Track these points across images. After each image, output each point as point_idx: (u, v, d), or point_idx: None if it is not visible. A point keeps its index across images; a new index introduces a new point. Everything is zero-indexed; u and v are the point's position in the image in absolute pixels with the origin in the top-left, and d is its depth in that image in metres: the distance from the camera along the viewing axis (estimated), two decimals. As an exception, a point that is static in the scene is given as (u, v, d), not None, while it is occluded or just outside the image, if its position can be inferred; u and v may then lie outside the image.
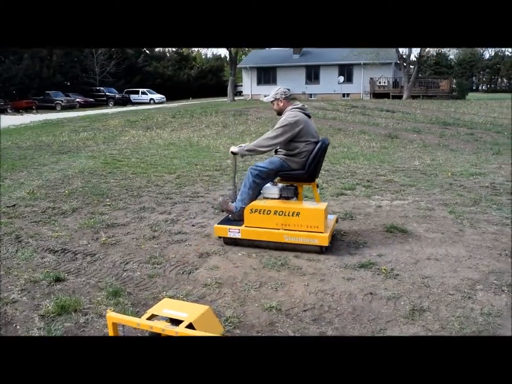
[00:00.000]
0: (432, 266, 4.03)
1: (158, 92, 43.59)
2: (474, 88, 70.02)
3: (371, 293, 3.51)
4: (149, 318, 2.30)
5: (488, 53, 74.29)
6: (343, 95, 36.36)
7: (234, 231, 4.51)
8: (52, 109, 33.56)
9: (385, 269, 3.93)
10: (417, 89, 33.73)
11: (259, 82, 39.15)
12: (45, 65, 39.16)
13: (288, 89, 4.84)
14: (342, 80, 36.81)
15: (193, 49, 42.37)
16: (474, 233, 4.88)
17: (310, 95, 37.19)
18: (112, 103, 38.81)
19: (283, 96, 4.64)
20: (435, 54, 58.71)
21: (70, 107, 34.75)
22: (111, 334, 2.30)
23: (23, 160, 9.95)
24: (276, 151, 4.71)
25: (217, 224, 4.67)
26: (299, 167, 4.54)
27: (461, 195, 6.57)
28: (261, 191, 4.70)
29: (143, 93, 42.57)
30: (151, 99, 41.57)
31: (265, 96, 5.05)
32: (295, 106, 4.62)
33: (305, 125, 4.49)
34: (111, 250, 4.47)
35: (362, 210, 5.80)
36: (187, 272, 3.93)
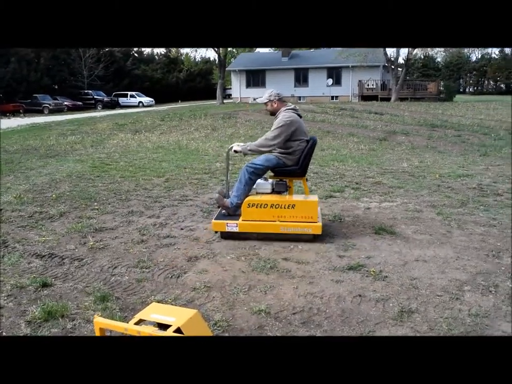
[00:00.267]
0: (420, 267, 4.05)
1: (147, 95, 43.51)
2: (461, 90, 70.71)
3: (360, 295, 3.52)
4: (137, 323, 2.28)
5: (475, 55, 75.17)
6: (332, 97, 36.51)
7: (232, 225, 4.77)
8: (40, 112, 33.29)
9: (373, 271, 3.94)
10: (405, 91, 33.97)
11: (248, 85, 39.20)
12: (33, 68, 38.89)
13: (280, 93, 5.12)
14: (331, 83, 36.97)
15: (181, 52, 42.37)
16: (461, 235, 4.91)
17: (299, 97, 37.28)
18: (101, 106, 38.62)
19: (277, 97, 4.96)
20: (422, 56, 59.24)
21: (58, 110, 34.48)
22: (98, 339, 2.27)
23: (9, 164, 9.85)
24: (264, 152, 4.94)
25: (215, 219, 4.87)
26: (293, 164, 4.87)
27: (449, 197, 6.62)
28: (254, 187, 4.97)
29: (131, 96, 42.45)
30: (139, 102, 41.47)
31: (254, 99, 5.25)
32: (288, 108, 4.94)
33: (298, 125, 4.84)
34: (99, 255, 4.43)
35: (351, 213, 5.81)
36: (176, 276, 3.91)
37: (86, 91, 40.78)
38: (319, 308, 3.34)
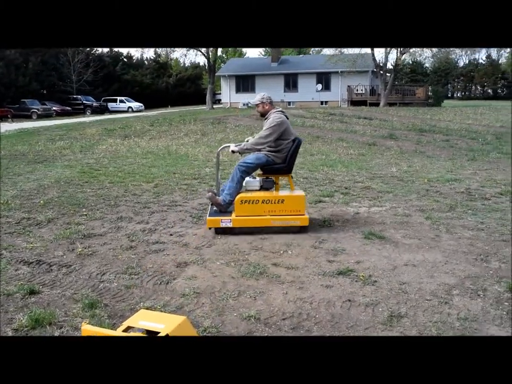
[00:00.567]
0: (409, 272, 4.06)
1: (136, 100, 43.40)
2: (449, 95, 71.29)
3: (349, 300, 3.52)
4: (125, 330, 2.26)
5: (463, 61, 75.91)
6: (321, 102, 36.68)
7: (226, 221, 5.08)
8: (28, 117, 33.05)
9: (363, 276, 3.95)
10: (394, 96, 34.23)
11: (238, 90, 39.26)
12: (21, 73, 38.66)
13: None
14: (320, 88, 37.13)
15: (171, 56, 42.34)
16: (450, 239, 4.94)
17: (289, 102, 37.42)
18: (90, 111, 38.45)
19: (268, 100, 5.46)
20: (411, 62, 59.70)
21: (46, 116, 34.25)
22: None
23: (-3, 170, 9.76)
24: (259, 150, 5.32)
25: (209, 216, 5.16)
26: (281, 161, 5.29)
27: (437, 201, 6.66)
28: (243, 184, 5.37)
29: (121, 101, 42.32)
30: (129, 107, 41.35)
31: (248, 103, 5.56)
32: (277, 110, 5.43)
33: (287, 125, 5.33)
34: (87, 261, 4.40)
35: (341, 217, 5.83)
36: (165, 283, 3.88)
37: (75, 96, 40.59)
38: (309, 313, 3.33)
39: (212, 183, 7.99)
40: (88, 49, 45.70)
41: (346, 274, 4.01)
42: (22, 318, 3.20)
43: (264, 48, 66.48)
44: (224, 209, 5.25)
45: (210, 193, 5.36)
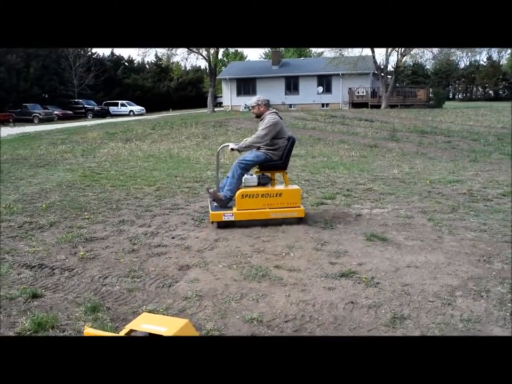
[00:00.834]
0: (412, 273, 4.05)
1: (138, 104, 43.47)
2: (450, 97, 71.31)
3: (352, 302, 3.51)
4: (128, 334, 2.26)
5: (464, 62, 75.93)
6: (322, 105, 36.73)
7: (228, 215, 5.44)
8: (30, 122, 33.15)
9: (365, 278, 3.94)
10: (395, 98, 34.24)
11: (239, 93, 39.29)
12: (22, 77, 38.76)
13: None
14: (321, 91, 37.17)
15: (172, 60, 42.39)
16: (453, 240, 4.93)
17: (290, 105, 37.47)
18: (91, 115, 38.55)
19: (263, 102, 5.88)
20: (412, 64, 59.72)
21: (48, 120, 34.37)
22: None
23: (-1, 174, 9.78)
24: (259, 148, 5.70)
25: (212, 211, 5.51)
26: (278, 158, 5.71)
27: (440, 202, 6.65)
28: (242, 181, 5.70)
29: (122, 105, 42.40)
30: (130, 111, 41.42)
31: (246, 105, 5.80)
32: (272, 111, 5.85)
33: (281, 125, 5.77)
34: (90, 265, 4.40)
35: (342, 219, 5.82)
36: (167, 286, 3.88)
37: (76, 100, 40.71)
38: (312, 315, 3.33)
39: (213, 185, 7.98)
40: (89, 53, 45.86)
41: (349, 276, 4.00)
42: (24, 322, 3.20)
43: (264, 51, 66.59)
44: (225, 204, 5.60)
45: (212, 189, 5.74)
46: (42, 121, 33.49)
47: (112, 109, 41.70)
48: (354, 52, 35.60)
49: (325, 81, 37.45)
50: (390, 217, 5.89)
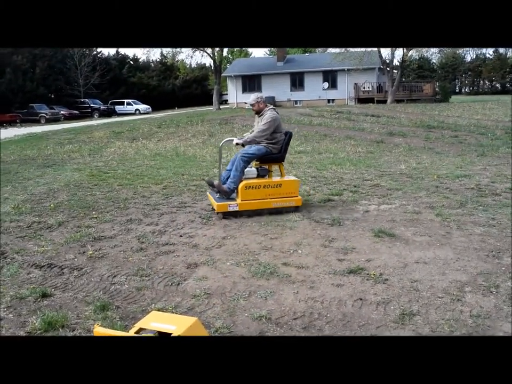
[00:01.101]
0: (420, 269, 4.04)
1: (143, 103, 43.56)
2: (457, 91, 70.97)
3: (361, 299, 3.51)
4: (137, 332, 2.27)
5: (470, 55, 75.46)
6: (328, 101, 36.57)
7: (233, 206, 5.83)
8: (36, 122, 33.32)
9: (374, 274, 3.93)
10: (401, 93, 34.04)
11: (244, 90, 39.21)
12: (28, 78, 38.94)
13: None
14: (327, 86, 37.00)
15: (177, 58, 42.41)
16: (461, 235, 4.91)
17: (295, 101, 37.36)
18: (97, 114, 38.67)
19: (262, 100, 6.34)
20: (418, 58, 59.44)
21: (54, 120, 34.52)
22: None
23: (7, 174, 9.83)
24: (259, 142, 6.09)
25: (218, 202, 5.86)
26: (277, 152, 6.18)
27: (447, 197, 6.62)
28: None
29: (128, 103, 42.51)
30: (136, 110, 41.51)
31: (246, 103, 6.01)
32: (270, 108, 6.32)
33: (279, 121, 6.26)
34: (98, 264, 4.42)
35: (350, 216, 5.81)
36: (175, 284, 3.89)
37: (82, 100, 40.84)
38: (320, 312, 3.33)
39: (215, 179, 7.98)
40: (94, 52, 45.97)
41: (357, 273, 3.99)
42: (35, 321, 3.23)
43: (269, 48, 66.40)
44: (228, 196, 6.00)
45: (217, 181, 6.17)
46: (48, 121, 33.65)
47: (118, 108, 41.82)
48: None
49: (330, 77, 37.28)
50: (398, 213, 5.87)
